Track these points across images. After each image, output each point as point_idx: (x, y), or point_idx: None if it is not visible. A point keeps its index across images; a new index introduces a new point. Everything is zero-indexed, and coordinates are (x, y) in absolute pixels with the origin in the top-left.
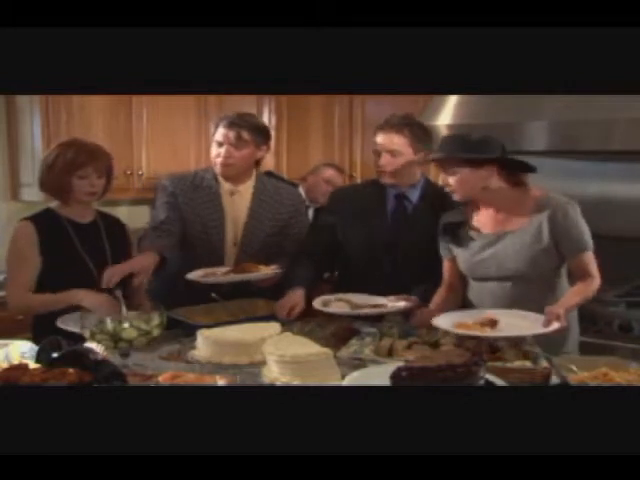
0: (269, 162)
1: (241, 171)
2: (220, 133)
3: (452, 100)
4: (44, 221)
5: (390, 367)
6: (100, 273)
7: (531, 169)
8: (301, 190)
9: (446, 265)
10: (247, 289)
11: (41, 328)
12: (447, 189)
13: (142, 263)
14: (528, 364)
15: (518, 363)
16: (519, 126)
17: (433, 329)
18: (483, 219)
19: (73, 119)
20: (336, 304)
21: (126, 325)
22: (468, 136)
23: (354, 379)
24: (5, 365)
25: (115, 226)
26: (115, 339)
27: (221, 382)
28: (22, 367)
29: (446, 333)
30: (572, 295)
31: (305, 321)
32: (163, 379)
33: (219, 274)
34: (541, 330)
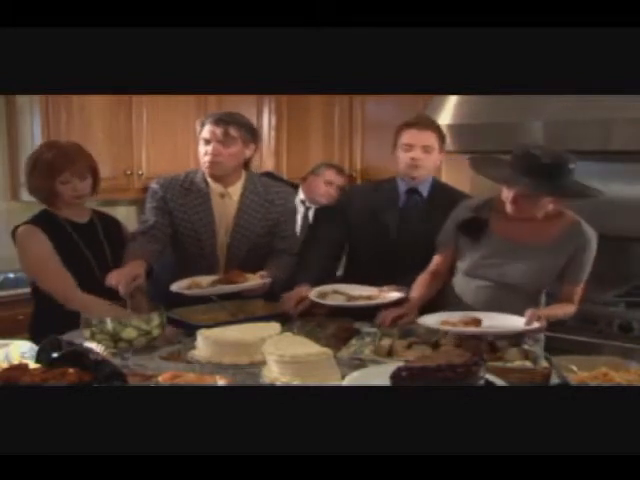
0: (269, 162)
1: (230, 171)
2: (207, 130)
3: (452, 100)
4: (46, 223)
5: (390, 367)
6: (102, 272)
7: (593, 196)
8: (301, 190)
9: (440, 256)
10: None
11: (40, 328)
12: (508, 205)
13: (138, 270)
14: (528, 364)
15: (518, 363)
16: (519, 126)
17: (431, 330)
18: (510, 226)
19: (73, 119)
20: (332, 296)
21: (126, 325)
22: (546, 161)
23: (354, 379)
24: (5, 365)
25: (112, 225)
26: (115, 339)
27: (221, 382)
28: (22, 367)
29: (446, 333)
30: (556, 308)
31: (305, 321)
32: (163, 379)
33: (204, 284)
34: (522, 328)
